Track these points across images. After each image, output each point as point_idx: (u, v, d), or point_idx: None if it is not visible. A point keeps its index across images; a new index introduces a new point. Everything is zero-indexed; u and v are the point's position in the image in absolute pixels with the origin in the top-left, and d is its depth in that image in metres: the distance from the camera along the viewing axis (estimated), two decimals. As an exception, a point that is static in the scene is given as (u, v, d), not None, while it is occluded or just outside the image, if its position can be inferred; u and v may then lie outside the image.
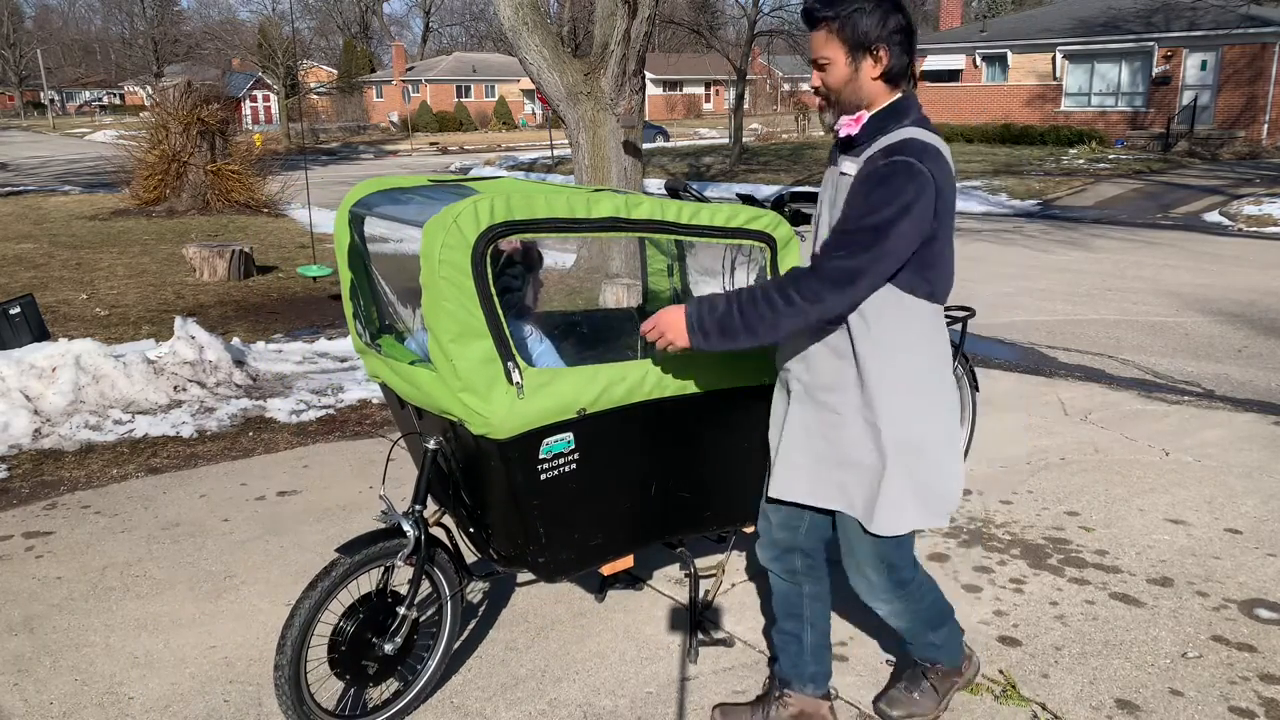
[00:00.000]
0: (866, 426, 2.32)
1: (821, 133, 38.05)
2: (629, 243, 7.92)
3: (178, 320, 6.04)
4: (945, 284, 2.32)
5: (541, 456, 2.49)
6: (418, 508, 2.67)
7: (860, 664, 3.06)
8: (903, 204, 2.13)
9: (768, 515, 2.59)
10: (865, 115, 2.27)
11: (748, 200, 3.16)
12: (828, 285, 2.19)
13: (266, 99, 50.51)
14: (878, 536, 2.39)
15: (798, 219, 3.43)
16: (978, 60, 31.89)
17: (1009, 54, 30.94)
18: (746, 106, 31.59)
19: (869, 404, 2.31)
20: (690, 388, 2.68)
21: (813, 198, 3.40)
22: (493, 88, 57.31)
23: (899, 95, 2.27)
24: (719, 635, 3.22)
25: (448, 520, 3.09)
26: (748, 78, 27.98)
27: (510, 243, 2.99)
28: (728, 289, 3.32)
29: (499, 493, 2.60)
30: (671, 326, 2.35)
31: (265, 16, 57.73)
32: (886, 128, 2.24)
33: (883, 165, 2.16)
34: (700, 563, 3.15)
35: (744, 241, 2.73)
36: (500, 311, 2.36)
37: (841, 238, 2.19)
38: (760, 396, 2.86)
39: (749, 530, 3.09)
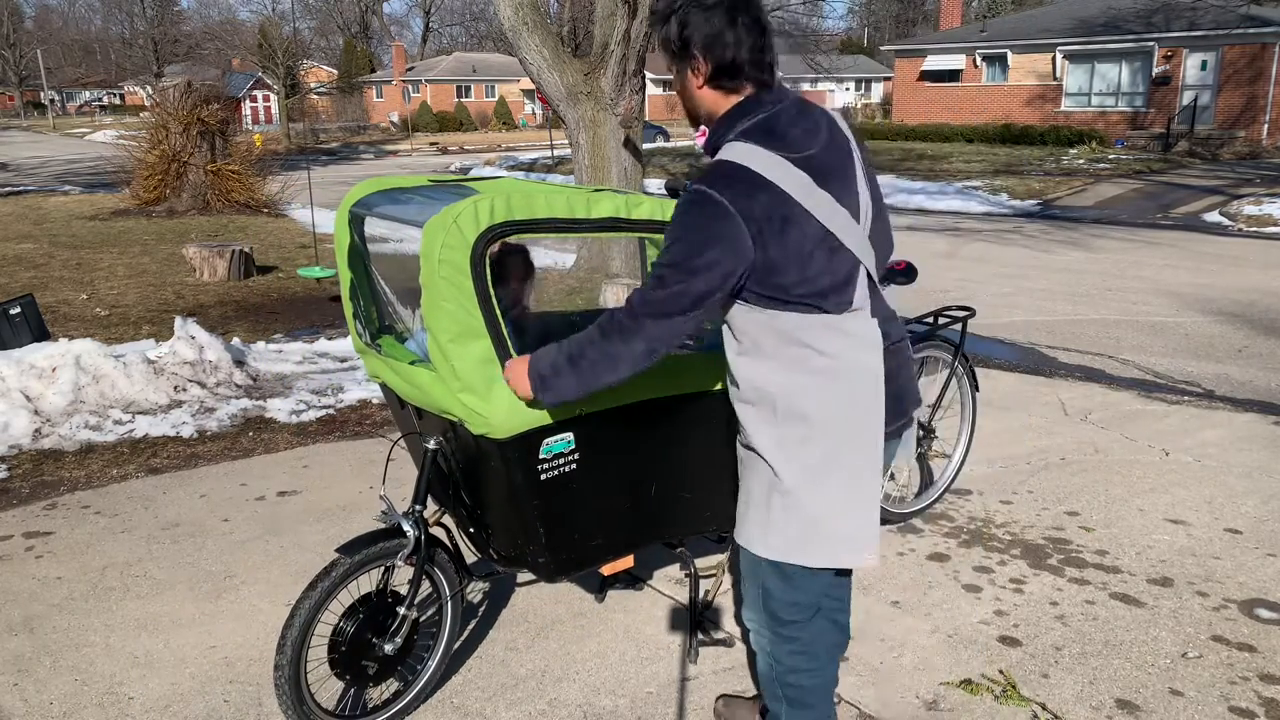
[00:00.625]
0: (741, 447, 2.26)
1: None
2: (629, 243, 7.91)
3: (178, 320, 6.04)
4: (820, 286, 2.04)
5: (541, 456, 2.49)
6: (418, 508, 2.67)
7: (860, 664, 3.06)
8: (698, 240, 1.98)
9: None
10: (706, 129, 2.15)
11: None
12: (643, 318, 2.05)
13: (266, 99, 50.50)
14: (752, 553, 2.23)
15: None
16: (978, 60, 31.89)
17: (1009, 54, 30.95)
18: (746, 106, 31.51)
19: (742, 425, 2.22)
20: (690, 388, 2.68)
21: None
22: (493, 88, 57.31)
23: (739, 100, 2.10)
24: (719, 635, 3.22)
25: (448, 520, 3.09)
26: (748, 78, 27.90)
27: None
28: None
29: (499, 493, 2.60)
30: (515, 376, 2.28)
31: (265, 16, 57.78)
32: (719, 143, 2.09)
33: (685, 196, 2.02)
34: (700, 563, 3.15)
35: None
36: (499, 312, 2.36)
37: (655, 268, 2.06)
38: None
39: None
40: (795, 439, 2.12)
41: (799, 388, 2.10)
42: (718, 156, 2.05)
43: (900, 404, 2.26)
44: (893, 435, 2.25)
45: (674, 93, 2.24)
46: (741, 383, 2.18)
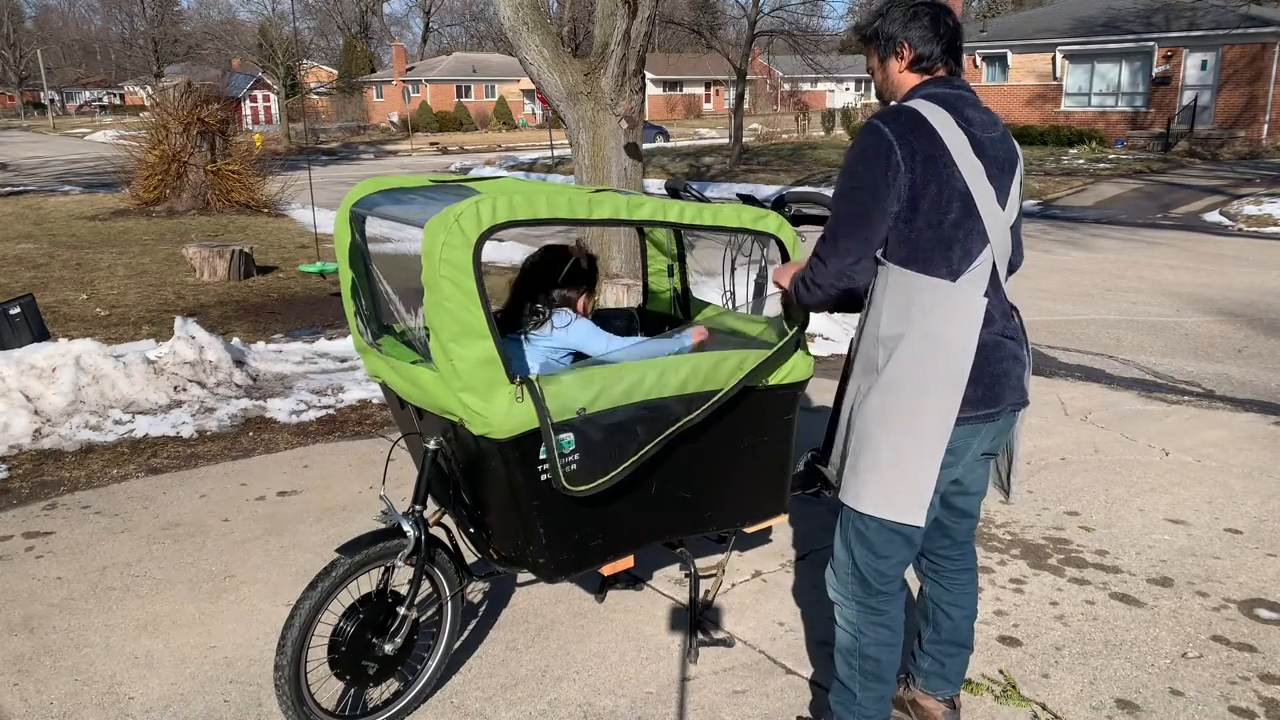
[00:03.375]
0: (860, 397, 2.33)
1: (822, 133, 38.05)
2: (629, 242, 7.92)
3: (178, 320, 6.04)
4: (947, 242, 2.18)
5: (542, 456, 2.49)
6: (418, 508, 2.67)
7: (860, 664, 3.05)
8: (851, 165, 2.22)
9: None
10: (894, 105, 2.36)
11: (748, 200, 3.15)
12: (819, 255, 2.30)
13: (266, 99, 50.50)
14: (852, 510, 2.34)
15: (799, 220, 3.42)
16: (978, 60, 31.88)
17: (1009, 54, 30.94)
18: (746, 106, 31.57)
19: (867, 378, 2.32)
20: (690, 388, 2.68)
21: (813, 198, 3.40)
22: (493, 88, 57.31)
23: (928, 78, 2.33)
24: (719, 635, 3.22)
25: (448, 520, 3.09)
26: (748, 78, 27.97)
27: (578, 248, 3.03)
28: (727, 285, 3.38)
29: (499, 493, 2.60)
30: (785, 273, 2.56)
31: (265, 17, 57.77)
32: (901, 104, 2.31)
33: (858, 134, 2.27)
34: (700, 563, 3.15)
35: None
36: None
37: (832, 203, 2.31)
38: (761, 398, 2.86)
39: (749, 530, 3.09)
40: (879, 395, 2.26)
41: (894, 345, 2.23)
42: (890, 107, 2.26)
43: (994, 390, 2.29)
44: (983, 419, 2.30)
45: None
46: (863, 337, 2.33)
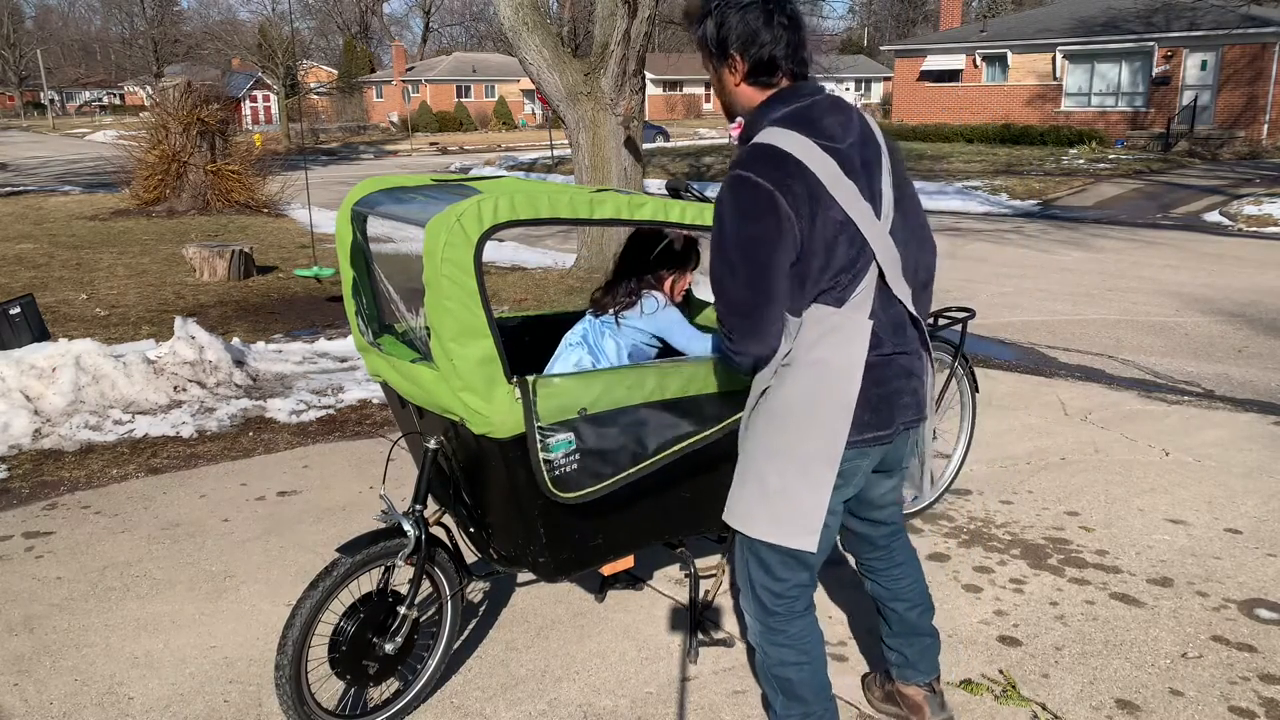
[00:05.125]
0: (746, 424, 2.30)
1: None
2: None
3: (178, 320, 6.04)
4: (836, 276, 2.08)
5: (542, 456, 2.49)
6: (418, 507, 2.67)
7: (861, 664, 3.06)
8: (734, 229, 2.04)
9: None
10: (742, 121, 2.20)
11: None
12: (730, 333, 2.15)
13: (266, 99, 50.49)
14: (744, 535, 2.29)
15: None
16: (978, 60, 31.89)
17: (1009, 54, 30.95)
18: (746, 106, 31.54)
19: (753, 404, 2.27)
20: (691, 390, 2.68)
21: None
22: (493, 88, 57.31)
23: (774, 91, 2.15)
24: (719, 635, 3.22)
25: (448, 520, 3.09)
26: (748, 78, 27.91)
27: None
28: None
29: (500, 492, 2.60)
30: None
31: (265, 17, 57.75)
32: (754, 131, 2.13)
33: (723, 186, 2.09)
34: (700, 563, 3.15)
35: None
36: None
37: (712, 272, 2.13)
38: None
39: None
40: (764, 420, 2.20)
41: (780, 373, 2.17)
42: (749, 145, 2.10)
43: (882, 413, 2.21)
44: (871, 442, 2.21)
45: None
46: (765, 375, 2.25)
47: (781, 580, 2.29)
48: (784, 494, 2.17)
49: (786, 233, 2.02)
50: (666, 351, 3.07)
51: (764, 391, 2.20)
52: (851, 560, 3.75)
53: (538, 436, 2.42)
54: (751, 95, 2.16)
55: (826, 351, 2.12)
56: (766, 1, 2.11)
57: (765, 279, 2.05)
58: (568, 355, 3.01)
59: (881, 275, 2.16)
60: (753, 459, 2.23)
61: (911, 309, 2.25)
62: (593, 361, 2.94)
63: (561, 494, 2.48)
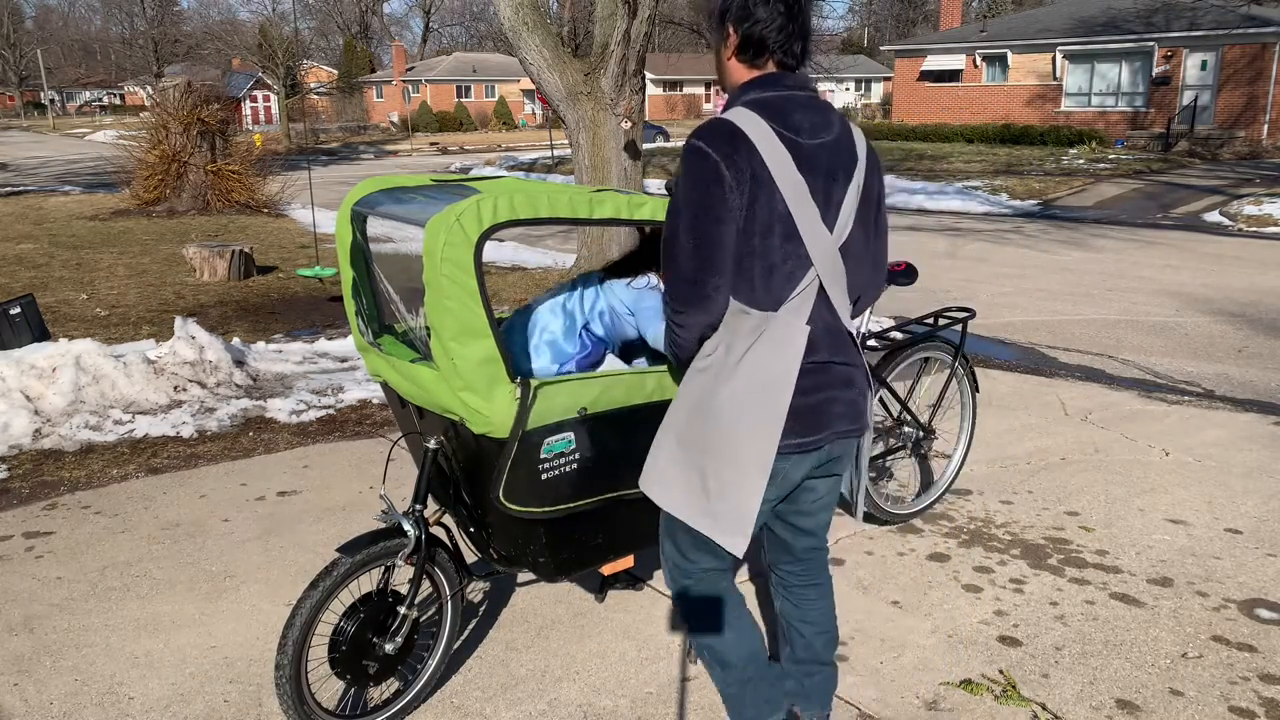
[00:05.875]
0: (681, 424, 2.25)
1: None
2: (629, 242, 7.92)
3: (178, 320, 6.04)
4: (769, 268, 2.06)
5: (542, 456, 2.49)
6: (418, 507, 2.67)
7: (860, 664, 3.06)
8: (687, 193, 2.05)
9: None
10: (725, 99, 2.23)
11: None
12: (671, 299, 2.15)
13: (266, 99, 50.49)
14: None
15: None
16: (978, 60, 31.89)
17: (1009, 54, 30.95)
18: (746, 106, 31.56)
19: (686, 404, 2.22)
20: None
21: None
22: (493, 88, 57.31)
23: (755, 75, 2.15)
24: (719, 635, 3.21)
25: (448, 520, 3.09)
26: (748, 78, 27.92)
27: None
28: None
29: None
30: None
31: (265, 17, 57.78)
32: (728, 108, 2.14)
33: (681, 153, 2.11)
34: (700, 563, 3.15)
35: None
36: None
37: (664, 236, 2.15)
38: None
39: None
40: (703, 417, 2.15)
41: (716, 374, 2.13)
42: (713, 116, 2.12)
43: (812, 420, 2.16)
44: (798, 449, 2.17)
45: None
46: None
47: (692, 562, 2.32)
48: (723, 495, 2.15)
49: (731, 206, 2.02)
50: (629, 351, 3.07)
51: (702, 394, 2.16)
52: (851, 562, 3.75)
53: (515, 442, 2.43)
54: (738, 72, 2.17)
55: (763, 354, 2.09)
56: None
57: (709, 247, 2.05)
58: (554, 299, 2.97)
59: (822, 289, 2.12)
60: (689, 449, 2.18)
61: (850, 325, 2.22)
62: (562, 304, 2.90)
63: (509, 504, 2.52)
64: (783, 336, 2.10)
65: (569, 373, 2.81)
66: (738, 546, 2.18)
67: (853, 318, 2.27)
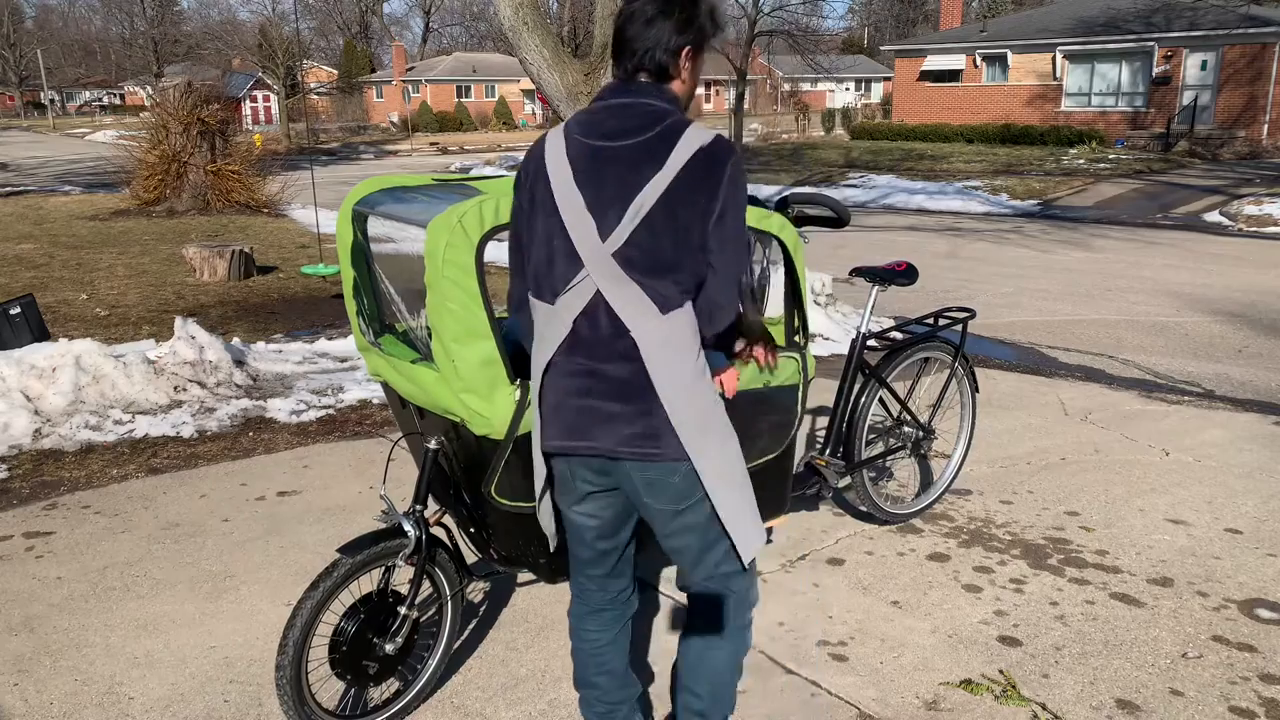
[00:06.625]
0: None
1: (822, 133, 38.05)
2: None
3: (178, 320, 6.04)
4: (550, 274, 2.07)
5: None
6: (418, 508, 2.67)
7: (860, 664, 3.06)
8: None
9: None
10: None
11: (750, 201, 3.16)
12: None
13: (266, 99, 50.48)
14: None
15: (802, 221, 3.43)
16: (978, 60, 31.89)
17: (1009, 54, 30.95)
18: (746, 106, 31.59)
19: None
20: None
21: (817, 200, 3.40)
22: (493, 88, 57.29)
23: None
24: (719, 635, 3.21)
25: (448, 520, 3.09)
26: (748, 78, 27.98)
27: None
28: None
29: (500, 493, 2.60)
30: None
31: (265, 17, 57.77)
32: None
33: None
34: (701, 563, 3.15)
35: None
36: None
37: None
38: (763, 398, 2.86)
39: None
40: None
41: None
42: None
43: (570, 419, 2.10)
44: (564, 452, 2.14)
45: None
46: None
47: (572, 570, 2.41)
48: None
49: (520, 212, 2.17)
50: None
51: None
52: (851, 562, 3.75)
53: (510, 443, 2.45)
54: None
55: (536, 345, 2.16)
56: None
57: (513, 249, 2.20)
58: None
59: (600, 289, 2.02)
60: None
61: (642, 340, 2.02)
62: None
63: (500, 499, 2.57)
64: (551, 329, 2.10)
65: None
66: (549, 530, 2.36)
67: (705, 336, 2.08)
